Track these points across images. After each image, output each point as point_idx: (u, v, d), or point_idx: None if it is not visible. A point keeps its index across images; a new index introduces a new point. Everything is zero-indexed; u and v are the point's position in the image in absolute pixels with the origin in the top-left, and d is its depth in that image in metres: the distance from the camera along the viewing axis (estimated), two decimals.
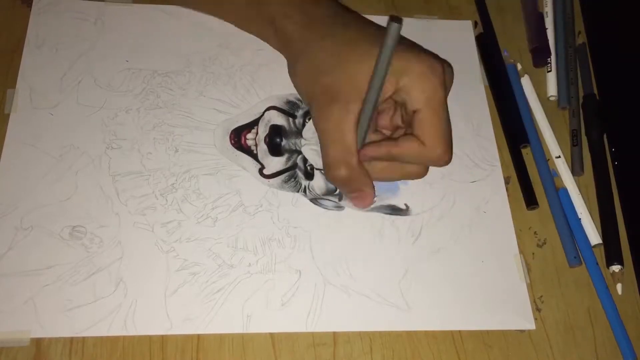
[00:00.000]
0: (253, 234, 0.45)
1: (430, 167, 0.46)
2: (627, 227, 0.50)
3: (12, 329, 0.40)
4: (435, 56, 0.44)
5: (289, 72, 0.49)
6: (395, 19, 0.38)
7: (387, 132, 0.46)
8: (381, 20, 0.56)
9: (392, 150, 0.43)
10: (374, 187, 0.45)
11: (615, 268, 0.48)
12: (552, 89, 0.55)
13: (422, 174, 0.46)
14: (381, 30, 0.42)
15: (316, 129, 0.44)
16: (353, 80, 0.42)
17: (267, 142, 0.49)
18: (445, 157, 0.43)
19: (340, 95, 0.43)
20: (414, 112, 0.42)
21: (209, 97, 0.50)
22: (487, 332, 0.45)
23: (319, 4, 0.48)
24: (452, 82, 0.45)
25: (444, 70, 0.43)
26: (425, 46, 0.54)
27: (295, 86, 0.48)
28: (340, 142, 0.43)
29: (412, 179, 0.47)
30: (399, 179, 0.48)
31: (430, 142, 0.42)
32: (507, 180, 0.51)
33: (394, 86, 0.42)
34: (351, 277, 0.45)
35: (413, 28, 0.56)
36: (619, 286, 0.47)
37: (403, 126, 0.45)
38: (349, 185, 0.44)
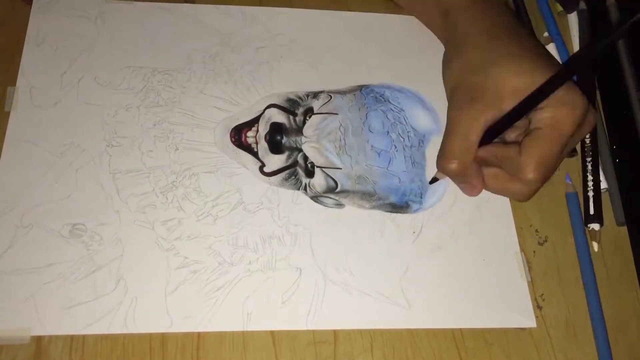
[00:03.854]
0: (253, 232, 0.45)
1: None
2: (628, 223, 0.50)
3: (13, 327, 0.40)
4: (585, 95, 0.43)
5: (443, 61, 0.50)
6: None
7: None
8: (384, 18, 0.56)
9: (497, 151, 0.43)
10: (483, 180, 0.45)
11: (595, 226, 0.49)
12: None
13: (522, 195, 0.45)
14: (543, 50, 0.46)
15: (448, 117, 0.45)
16: (500, 89, 0.43)
17: (268, 139, 0.49)
18: (532, 186, 0.43)
19: (483, 97, 0.43)
20: (534, 129, 0.43)
21: (209, 95, 0.50)
22: (488, 330, 0.45)
23: (491, 4, 0.49)
24: (589, 131, 0.45)
25: (586, 113, 0.43)
26: (427, 45, 0.55)
27: (444, 75, 0.49)
28: (464, 137, 0.43)
29: (514, 198, 0.47)
30: (502, 194, 0.47)
31: (526, 158, 0.42)
32: None
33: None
34: (352, 274, 0.45)
35: (413, 26, 0.56)
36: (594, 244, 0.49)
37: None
38: (456, 177, 0.46)
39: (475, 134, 0.43)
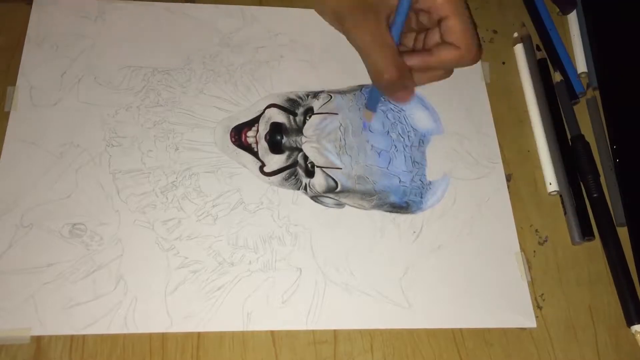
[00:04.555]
0: (253, 232, 0.45)
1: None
2: (628, 223, 0.50)
3: (13, 327, 0.40)
4: None
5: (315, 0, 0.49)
6: None
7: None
8: None
9: (430, 60, 0.45)
10: (413, 79, 0.45)
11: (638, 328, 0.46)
12: None
13: (448, 75, 0.47)
14: None
15: (354, 44, 0.45)
16: None
17: (268, 139, 0.49)
18: (478, 57, 0.45)
19: (371, 5, 0.44)
20: (440, 20, 0.44)
21: (209, 94, 0.50)
22: (488, 330, 0.45)
23: None
24: None
25: None
26: None
27: (322, 11, 0.49)
28: (384, 46, 0.44)
29: (437, 80, 0.47)
30: (426, 83, 0.47)
31: (465, 46, 0.44)
32: (508, 178, 0.51)
33: None
34: (352, 274, 0.45)
35: None
36: None
37: (416, 29, 0.47)
38: (398, 84, 0.44)
39: (389, 37, 0.44)
